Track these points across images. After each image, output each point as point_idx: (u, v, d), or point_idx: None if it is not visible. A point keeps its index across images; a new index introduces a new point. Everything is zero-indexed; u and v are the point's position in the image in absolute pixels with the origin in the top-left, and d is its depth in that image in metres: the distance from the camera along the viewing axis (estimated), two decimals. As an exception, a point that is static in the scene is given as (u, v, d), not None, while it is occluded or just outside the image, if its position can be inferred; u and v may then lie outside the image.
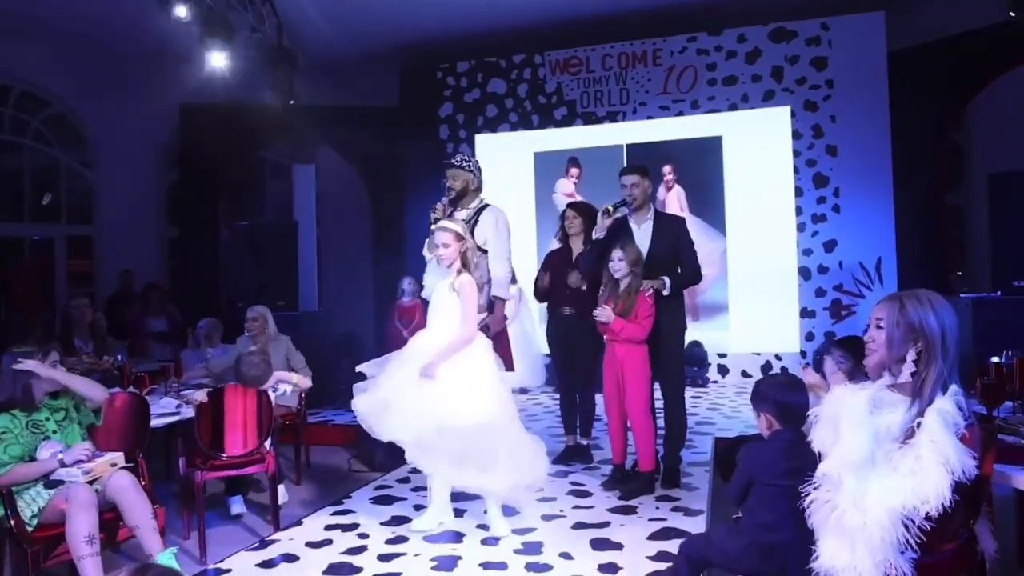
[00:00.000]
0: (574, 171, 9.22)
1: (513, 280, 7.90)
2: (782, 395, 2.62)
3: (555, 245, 5.50)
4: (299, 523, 4.17)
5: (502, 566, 3.42)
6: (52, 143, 10.51)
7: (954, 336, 2.16)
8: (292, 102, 8.68)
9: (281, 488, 4.66)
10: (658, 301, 4.36)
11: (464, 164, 4.34)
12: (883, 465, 2.13)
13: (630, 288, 4.29)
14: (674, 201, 8.82)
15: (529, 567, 3.40)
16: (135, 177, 10.63)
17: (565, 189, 9.20)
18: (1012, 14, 6.74)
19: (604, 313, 4.29)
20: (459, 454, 3.55)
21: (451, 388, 3.58)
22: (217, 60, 7.53)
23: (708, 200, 8.78)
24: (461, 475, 3.64)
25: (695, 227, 8.40)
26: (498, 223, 4.27)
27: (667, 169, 8.87)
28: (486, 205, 4.36)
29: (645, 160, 8.50)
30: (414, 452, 3.61)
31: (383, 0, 8.33)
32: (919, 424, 2.11)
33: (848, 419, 2.19)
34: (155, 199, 11.04)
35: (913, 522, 2.05)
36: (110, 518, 3.25)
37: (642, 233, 4.60)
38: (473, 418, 3.53)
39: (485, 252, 4.30)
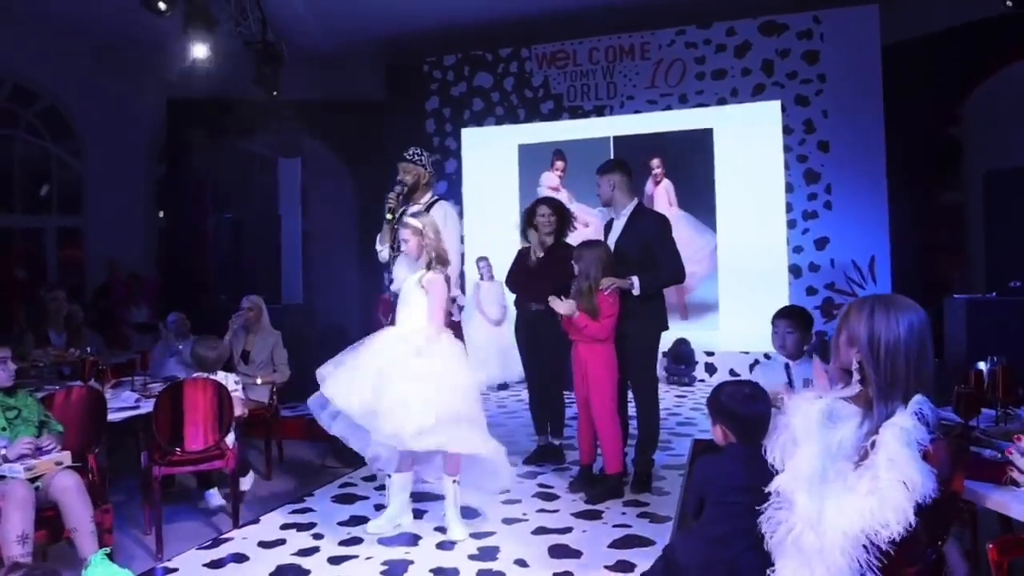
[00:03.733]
0: (559, 164, 9.11)
1: (491, 276, 7.90)
2: (743, 408, 2.44)
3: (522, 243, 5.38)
4: (257, 521, 4.09)
5: (454, 572, 3.32)
6: (44, 135, 10.49)
7: (895, 351, 1.99)
8: (277, 95, 8.60)
9: (249, 478, 4.63)
10: (628, 301, 4.25)
11: (415, 159, 4.29)
12: (837, 484, 2.02)
13: (589, 286, 4.18)
14: (662, 195, 8.69)
15: (481, 574, 3.30)
16: (124, 169, 10.61)
17: (550, 182, 9.10)
18: (1009, 3, 6.57)
19: (563, 304, 4.17)
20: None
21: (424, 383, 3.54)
22: (200, 53, 7.45)
23: (698, 195, 8.65)
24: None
25: (684, 223, 8.39)
26: (447, 218, 4.19)
27: (655, 162, 8.76)
28: (437, 200, 4.30)
29: (633, 153, 8.43)
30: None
31: (368, -9, 8.25)
32: (873, 443, 1.99)
33: (800, 431, 2.08)
34: (144, 191, 11.00)
35: (874, 545, 1.94)
36: (51, 516, 3.17)
37: (617, 227, 4.53)
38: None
39: None
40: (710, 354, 8.59)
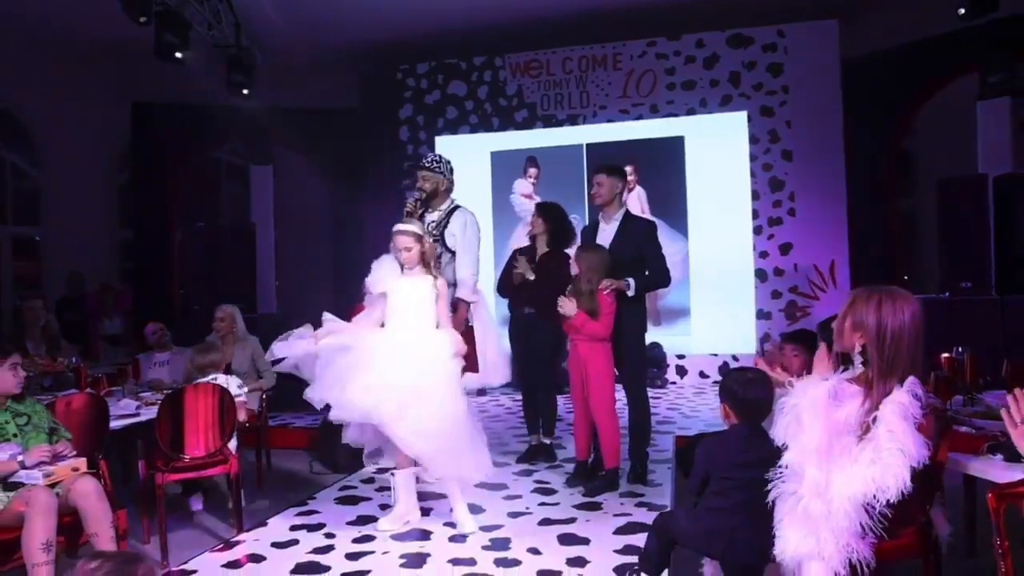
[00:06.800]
0: (532, 171, 9.25)
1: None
2: (744, 391, 2.68)
3: (525, 242, 5.53)
4: (264, 524, 4.11)
5: (471, 562, 3.42)
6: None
7: (899, 336, 2.23)
8: (249, 102, 8.56)
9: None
10: (620, 301, 4.39)
11: (434, 166, 4.33)
12: (843, 458, 2.21)
13: (591, 287, 4.32)
14: (635, 202, 8.89)
15: (498, 563, 3.40)
16: (84, 177, 10.33)
17: (523, 189, 9.23)
18: (961, 11, 6.96)
19: (567, 305, 4.31)
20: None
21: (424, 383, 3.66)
22: (171, 57, 7.38)
23: (670, 202, 8.88)
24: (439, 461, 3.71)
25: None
26: (467, 226, 4.27)
27: (628, 169, 8.91)
28: (457, 207, 4.36)
29: (606, 160, 8.55)
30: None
31: (342, -1, 8.26)
32: (875, 418, 2.20)
33: (807, 410, 2.28)
34: (105, 200, 10.75)
35: (874, 508, 2.14)
36: (70, 522, 3.13)
37: (608, 231, 4.65)
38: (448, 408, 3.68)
39: (453, 253, 4.32)
40: (681, 357, 8.81)
